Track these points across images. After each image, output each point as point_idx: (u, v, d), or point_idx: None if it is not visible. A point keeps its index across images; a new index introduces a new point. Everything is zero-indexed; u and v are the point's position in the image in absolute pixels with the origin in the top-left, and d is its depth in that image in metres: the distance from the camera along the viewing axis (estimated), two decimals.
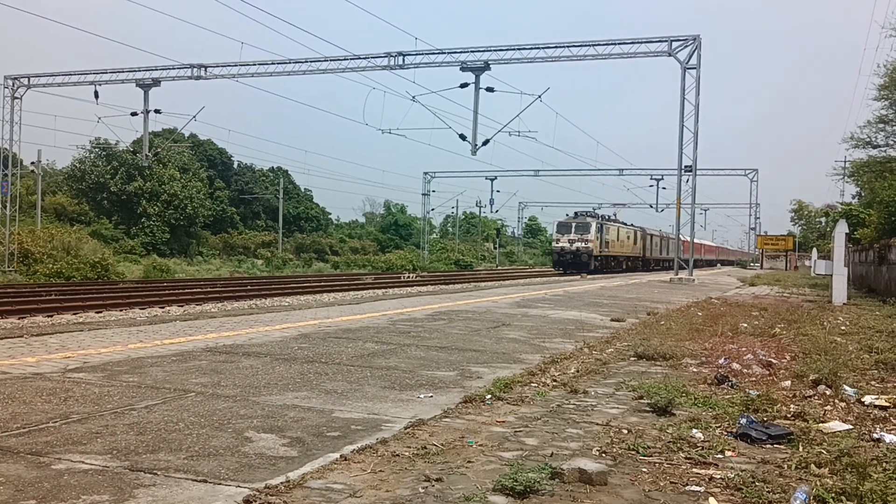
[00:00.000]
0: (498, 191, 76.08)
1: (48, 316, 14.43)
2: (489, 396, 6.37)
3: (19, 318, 13.77)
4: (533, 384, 7.15)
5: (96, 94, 36.01)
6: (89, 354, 8.05)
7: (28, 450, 4.46)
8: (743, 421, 5.51)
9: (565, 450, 4.85)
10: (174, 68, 36.20)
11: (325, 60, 34.94)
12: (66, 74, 37.06)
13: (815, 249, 48.93)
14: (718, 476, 4.34)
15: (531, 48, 33.28)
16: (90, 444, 4.63)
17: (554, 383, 7.25)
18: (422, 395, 6.52)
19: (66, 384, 6.43)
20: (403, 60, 33.87)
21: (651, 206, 75.68)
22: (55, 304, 16.27)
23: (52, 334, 9.70)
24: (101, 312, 15.20)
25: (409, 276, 40.36)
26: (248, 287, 26.18)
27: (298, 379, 7.12)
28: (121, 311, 15.67)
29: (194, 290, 23.74)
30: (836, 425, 5.63)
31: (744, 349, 9.59)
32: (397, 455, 4.59)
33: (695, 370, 8.27)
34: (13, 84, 37.06)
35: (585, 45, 32.87)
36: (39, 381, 6.54)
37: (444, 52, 33.76)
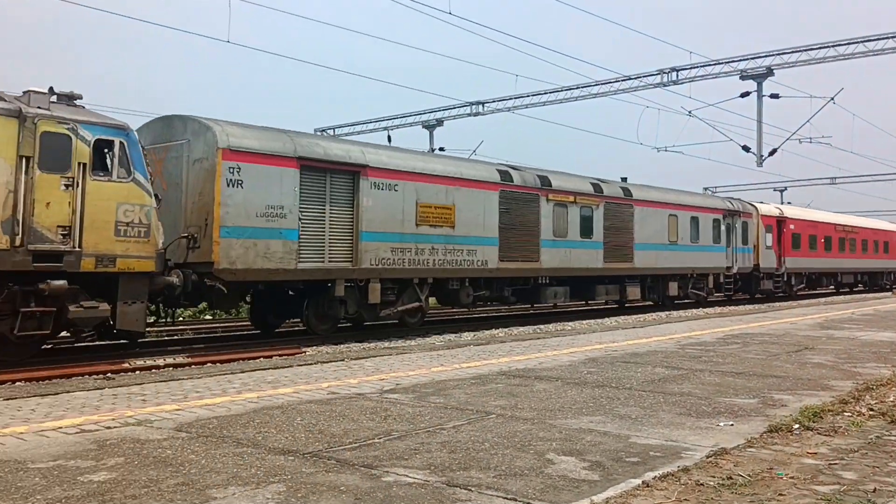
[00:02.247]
0: (789, 202, 70.45)
1: (359, 342, 16.08)
2: (797, 426, 6.00)
3: (337, 344, 15.53)
4: (846, 413, 6.60)
5: (389, 139, 39.50)
6: (399, 377, 8.87)
7: (361, 462, 5.06)
8: None
9: (890, 486, 4.45)
10: (455, 107, 38.60)
11: (595, 85, 35.07)
12: (363, 123, 41.14)
13: None
14: None
15: (819, 47, 30.64)
16: (411, 460, 5.13)
17: (871, 413, 6.63)
18: (721, 423, 6.31)
19: (383, 404, 7.16)
20: (677, 76, 32.93)
21: None
22: (376, 330, 18.26)
23: (366, 358, 10.80)
24: (403, 339, 16.64)
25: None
26: (530, 311, 26.92)
27: (591, 403, 7.24)
28: (422, 337, 17.05)
29: (483, 314, 25.00)
30: None
31: None
32: (701, 484, 4.52)
33: None
34: None
35: (885, 38, 29.57)
36: (362, 400, 7.35)
37: (721, 63, 32.26)
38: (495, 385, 8.31)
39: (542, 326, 20.30)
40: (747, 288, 32.37)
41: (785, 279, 33.57)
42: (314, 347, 14.57)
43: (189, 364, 12.07)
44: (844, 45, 30.43)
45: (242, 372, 9.35)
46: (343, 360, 10.42)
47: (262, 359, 12.25)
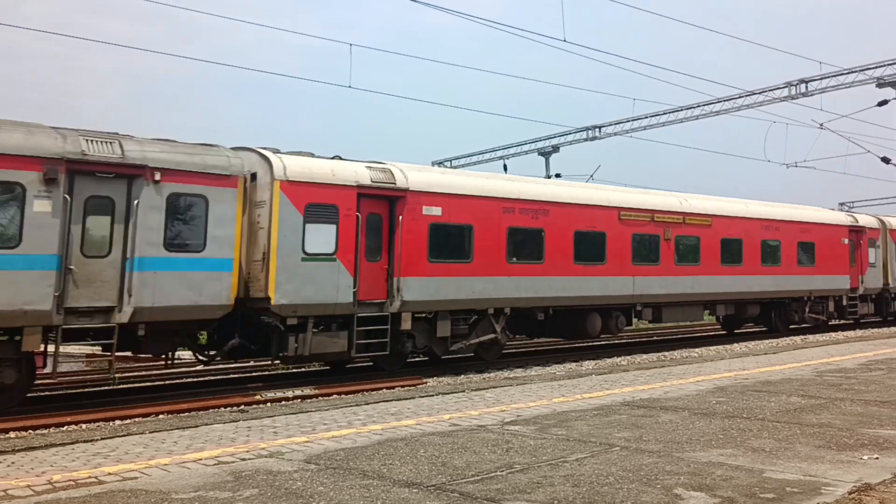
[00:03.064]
0: None
1: (479, 371, 16.13)
2: None
3: (457, 374, 15.65)
4: None
5: (505, 167, 39.74)
6: (520, 408, 8.83)
7: (484, 496, 5.07)
8: None
9: None
10: (570, 133, 38.39)
11: (717, 102, 34.06)
12: (479, 153, 41.60)
13: None
14: None
15: None
16: (533, 493, 5.10)
17: None
18: (865, 457, 5.94)
19: (505, 436, 7.15)
20: (806, 88, 31.51)
21: None
22: (486, 361, 18.21)
23: (486, 389, 10.81)
24: (523, 368, 16.57)
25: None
26: (654, 338, 26.21)
27: (721, 435, 6.97)
28: (542, 366, 16.95)
29: (603, 343, 24.54)
30: None
31: None
32: None
33: None
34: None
35: None
36: (483, 432, 7.37)
37: (855, 71, 30.65)
38: (619, 416, 8.14)
39: (666, 354, 19.70)
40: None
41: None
42: (435, 378, 14.73)
43: (316, 395, 12.46)
44: None
45: (367, 404, 9.57)
46: (463, 392, 10.48)
47: (384, 390, 12.50)
